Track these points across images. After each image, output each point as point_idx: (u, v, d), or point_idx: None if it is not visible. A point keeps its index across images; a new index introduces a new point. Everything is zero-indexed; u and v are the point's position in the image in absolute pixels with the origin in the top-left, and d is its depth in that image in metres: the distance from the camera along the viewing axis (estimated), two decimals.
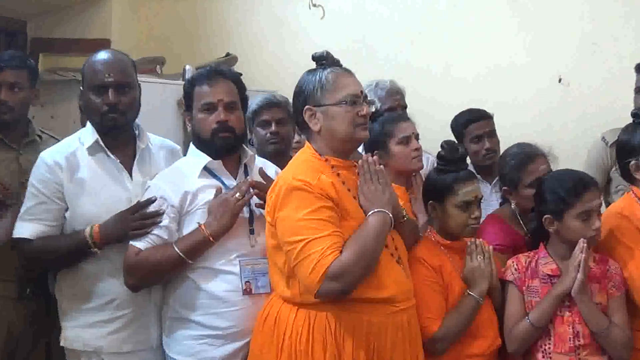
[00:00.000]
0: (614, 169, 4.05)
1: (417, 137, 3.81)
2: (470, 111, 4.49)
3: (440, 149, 3.43)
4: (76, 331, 3.45)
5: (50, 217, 3.42)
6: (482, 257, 3.34)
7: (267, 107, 4.07)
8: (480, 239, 3.42)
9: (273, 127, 4.05)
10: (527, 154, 3.73)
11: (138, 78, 3.62)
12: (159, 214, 3.27)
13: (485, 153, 4.40)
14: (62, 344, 3.51)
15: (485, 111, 4.47)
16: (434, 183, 3.43)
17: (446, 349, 3.27)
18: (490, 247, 3.40)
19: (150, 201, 3.28)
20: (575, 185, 3.30)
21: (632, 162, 3.42)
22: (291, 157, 3.25)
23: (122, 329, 3.41)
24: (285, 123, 4.10)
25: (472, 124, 4.41)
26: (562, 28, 5.18)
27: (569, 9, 5.17)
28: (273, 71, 5.59)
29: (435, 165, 3.47)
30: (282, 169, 3.32)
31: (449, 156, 3.40)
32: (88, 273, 3.41)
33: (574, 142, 4.70)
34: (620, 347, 3.26)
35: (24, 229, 3.42)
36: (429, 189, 3.46)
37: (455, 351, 3.29)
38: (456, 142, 3.51)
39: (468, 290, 3.31)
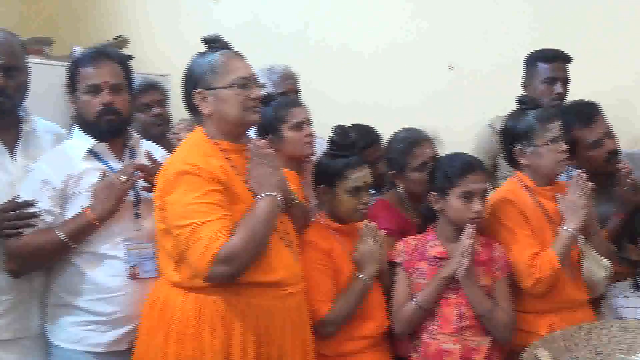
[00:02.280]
0: (500, 155, 4.14)
1: (309, 122, 3.83)
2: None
3: (332, 133, 3.47)
4: None
5: None
6: (374, 241, 3.39)
7: (146, 90, 4.05)
8: (375, 223, 3.46)
9: (156, 110, 4.01)
10: (414, 139, 3.79)
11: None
12: (34, 216, 3.19)
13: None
14: None
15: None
16: (324, 167, 3.47)
17: (336, 331, 3.33)
18: (383, 231, 3.46)
19: (29, 203, 3.20)
20: (462, 166, 3.42)
21: (517, 148, 3.55)
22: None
23: (1, 316, 3.29)
24: (164, 104, 4.08)
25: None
26: (455, 16, 5.33)
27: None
28: (166, 54, 5.53)
29: (327, 149, 3.51)
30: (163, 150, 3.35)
31: (340, 141, 3.44)
32: None
33: (463, 128, 4.80)
34: (503, 329, 3.40)
35: None
36: (319, 173, 3.50)
37: (345, 333, 3.36)
38: (347, 128, 3.52)
39: (357, 273, 3.37)
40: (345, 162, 3.40)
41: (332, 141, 3.46)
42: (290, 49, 5.38)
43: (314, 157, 3.78)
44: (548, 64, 4.43)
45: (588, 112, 3.89)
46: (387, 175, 3.87)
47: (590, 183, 3.48)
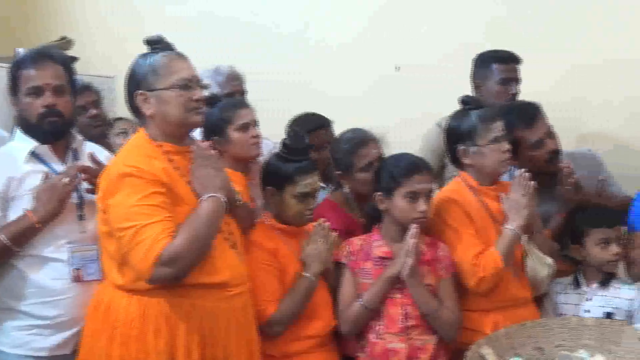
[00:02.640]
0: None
1: (256, 124, 3.82)
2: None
3: (285, 137, 3.48)
4: None
5: None
6: (323, 240, 3.40)
7: (80, 92, 3.97)
8: (328, 223, 3.47)
9: (92, 111, 3.98)
10: (360, 139, 3.81)
11: None
12: None
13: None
14: None
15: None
16: (275, 170, 3.46)
17: (283, 331, 3.34)
18: (335, 233, 3.47)
19: None
20: (408, 166, 3.45)
21: (460, 148, 3.59)
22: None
23: None
24: (99, 105, 4.05)
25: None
26: (399, 16, 5.34)
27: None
28: (112, 56, 5.43)
29: (279, 152, 3.50)
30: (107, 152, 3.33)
31: (294, 145, 3.44)
32: None
33: (409, 128, 4.80)
34: (449, 327, 3.44)
35: None
36: (268, 175, 3.50)
37: (292, 333, 3.37)
38: (302, 133, 3.55)
39: (303, 272, 3.38)
40: (296, 167, 3.40)
41: (285, 144, 3.46)
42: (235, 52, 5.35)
43: (261, 159, 3.78)
44: (503, 65, 4.47)
45: (530, 112, 3.94)
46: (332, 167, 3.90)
47: (532, 182, 3.52)
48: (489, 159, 3.54)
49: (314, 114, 4.34)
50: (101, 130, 3.99)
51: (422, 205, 3.39)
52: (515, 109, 4.00)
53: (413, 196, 3.39)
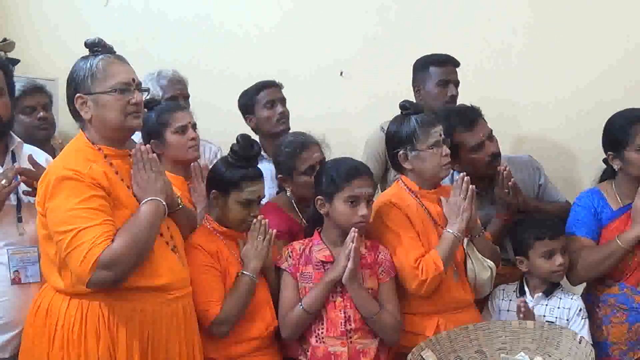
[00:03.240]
0: None
1: (194, 126, 3.83)
2: (259, 82, 4.61)
3: (235, 142, 3.46)
4: None
5: None
6: (261, 237, 3.40)
7: (31, 93, 3.97)
8: (266, 220, 3.46)
9: (41, 113, 3.94)
10: (301, 142, 3.82)
11: None
12: None
13: (279, 117, 4.54)
14: None
15: (273, 80, 4.60)
16: (221, 175, 3.46)
17: (228, 331, 3.33)
18: (274, 230, 3.45)
19: None
20: (348, 171, 3.45)
21: (401, 152, 3.61)
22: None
23: None
24: (49, 107, 4.01)
25: (264, 90, 4.52)
26: (347, 22, 5.37)
27: (355, 5, 5.39)
28: (54, 58, 5.38)
29: (227, 157, 3.49)
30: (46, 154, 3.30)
31: (242, 152, 3.43)
32: None
33: (353, 132, 4.81)
34: (390, 331, 3.45)
35: None
36: (214, 178, 3.49)
37: (234, 335, 3.36)
38: (252, 139, 3.52)
39: (242, 270, 3.38)
40: (243, 173, 3.40)
41: (233, 150, 3.45)
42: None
43: (202, 162, 3.78)
44: (441, 68, 4.49)
45: (470, 116, 3.97)
46: None
47: (472, 186, 3.55)
48: (429, 163, 3.57)
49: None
50: (47, 134, 3.94)
51: (362, 210, 3.40)
52: (455, 112, 4.05)
53: (354, 200, 3.40)
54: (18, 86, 3.94)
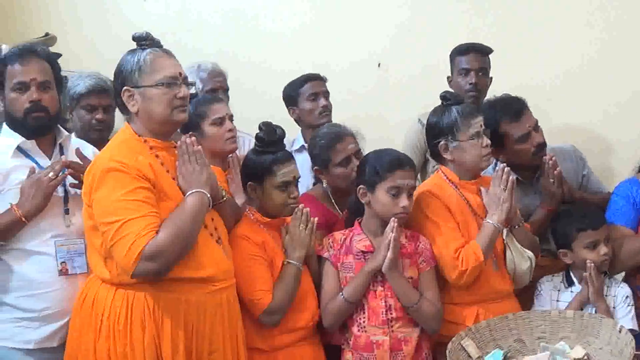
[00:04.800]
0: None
1: (231, 118, 3.84)
2: (304, 75, 4.61)
3: (258, 130, 3.46)
4: None
5: None
6: (303, 226, 3.40)
7: (96, 93, 3.96)
8: (307, 209, 3.46)
9: (100, 115, 3.96)
10: (336, 134, 3.81)
11: None
12: None
13: (322, 110, 4.53)
14: None
15: (318, 74, 4.60)
16: (252, 164, 3.47)
17: (280, 319, 3.33)
18: (315, 218, 3.45)
19: None
20: (391, 162, 3.45)
21: (441, 143, 3.59)
22: None
23: None
24: (111, 111, 4.01)
25: (308, 82, 4.51)
26: (381, 15, 5.36)
27: None
28: (95, 52, 5.41)
29: (255, 146, 3.50)
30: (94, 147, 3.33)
31: (267, 138, 3.44)
32: None
33: (392, 124, 4.80)
34: (431, 319, 3.45)
35: None
36: (247, 171, 3.50)
37: (280, 326, 3.36)
38: (274, 125, 3.51)
39: (286, 260, 3.38)
40: (272, 158, 3.40)
41: (258, 138, 3.45)
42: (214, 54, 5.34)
43: (240, 153, 3.78)
44: (463, 56, 4.50)
45: (516, 107, 3.93)
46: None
47: (513, 176, 3.55)
48: (469, 154, 3.56)
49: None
50: (101, 135, 3.92)
51: (404, 201, 3.39)
52: (500, 103, 4.00)
53: (395, 191, 3.40)
54: (87, 83, 3.99)
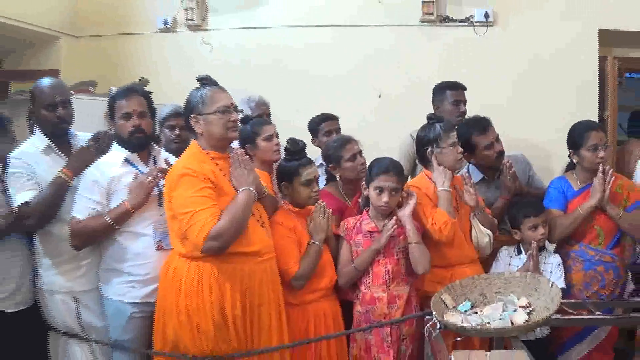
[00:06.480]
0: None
1: (277, 135, 3.67)
2: (322, 114, 4.35)
3: (287, 144, 3.32)
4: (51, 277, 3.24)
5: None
6: (322, 216, 3.23)
7: (175, 116, 3.84)
8: (324, 203, 3.29)
9: (177, 131, 3.84)
10: (345, 139, 3.61)
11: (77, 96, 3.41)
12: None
13: None
14: (40, 286, 3.27)
15: (332, 114, 4.34)
16: (284, 169, 3.30)
17: (304, 284, 3.17)
18: (330, 210, 3.29)
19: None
20: (379, 167, 3.26)
21: (428, 150, 3.41)
22: None
23: (84, 274, 3.22)
24: (186, 129, 3.87)
25: (325, 122, 4.27)
26: (379, 53, 5.14)
27: (380, 37, 5.14)
28: (176, 90, 5.18)
29: (285, 156, 3.35)
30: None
31: (293, 149, 3.29)
32: (56, 236, 3.19)
33: (388, 140, 4.51)
34: (424, 260, 3.23)
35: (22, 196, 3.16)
36: (281, 174, 3.33)
37: (307, 286, 3.19)
38: (298, 139, 3.35)
39: (311, 240, 3.21)
40: (298, 163, 3.24)
41: (287, 149, 3.32)
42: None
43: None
44: (454, 91, 4.20)
45: (483, 123, 3.78)
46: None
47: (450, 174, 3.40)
48: (448, 158, 3.37)
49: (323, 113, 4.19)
50: (178, 147, 3.79)
51: (385, 198, 3.22)
52: (472, 121, 3.84)
53: (379, 190, 3.23)
54: (168, 109, 3.90)
